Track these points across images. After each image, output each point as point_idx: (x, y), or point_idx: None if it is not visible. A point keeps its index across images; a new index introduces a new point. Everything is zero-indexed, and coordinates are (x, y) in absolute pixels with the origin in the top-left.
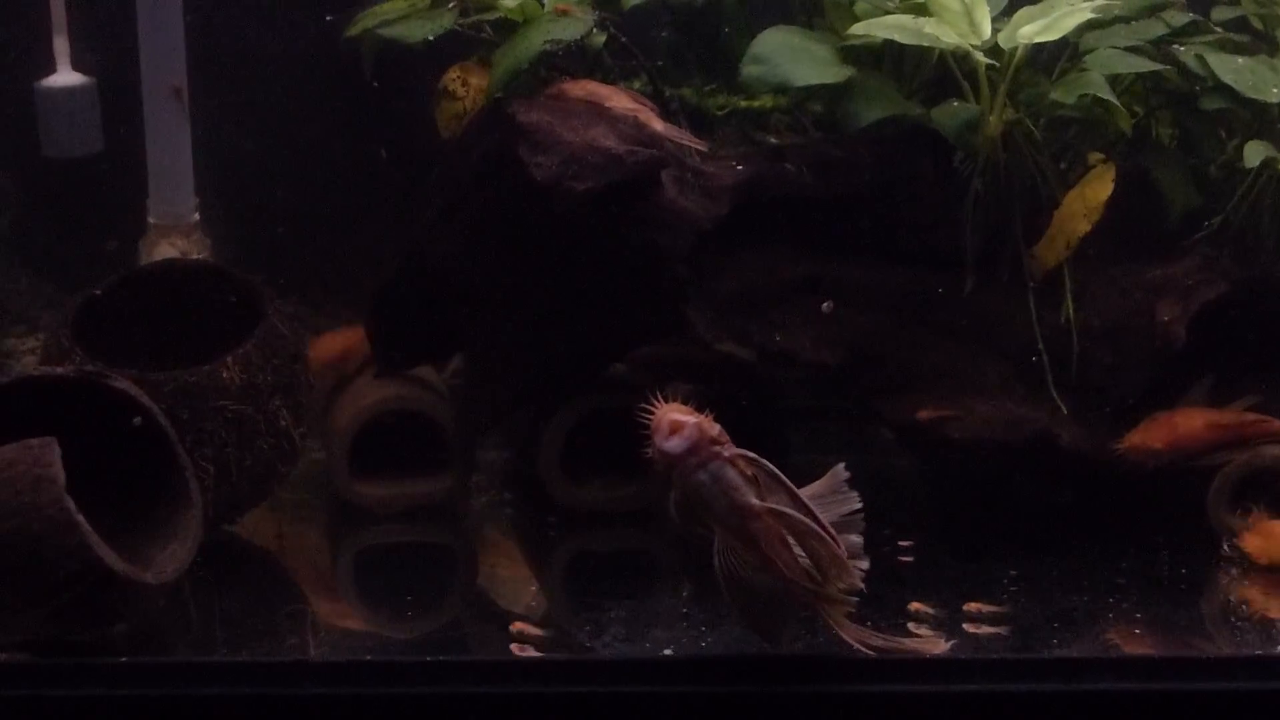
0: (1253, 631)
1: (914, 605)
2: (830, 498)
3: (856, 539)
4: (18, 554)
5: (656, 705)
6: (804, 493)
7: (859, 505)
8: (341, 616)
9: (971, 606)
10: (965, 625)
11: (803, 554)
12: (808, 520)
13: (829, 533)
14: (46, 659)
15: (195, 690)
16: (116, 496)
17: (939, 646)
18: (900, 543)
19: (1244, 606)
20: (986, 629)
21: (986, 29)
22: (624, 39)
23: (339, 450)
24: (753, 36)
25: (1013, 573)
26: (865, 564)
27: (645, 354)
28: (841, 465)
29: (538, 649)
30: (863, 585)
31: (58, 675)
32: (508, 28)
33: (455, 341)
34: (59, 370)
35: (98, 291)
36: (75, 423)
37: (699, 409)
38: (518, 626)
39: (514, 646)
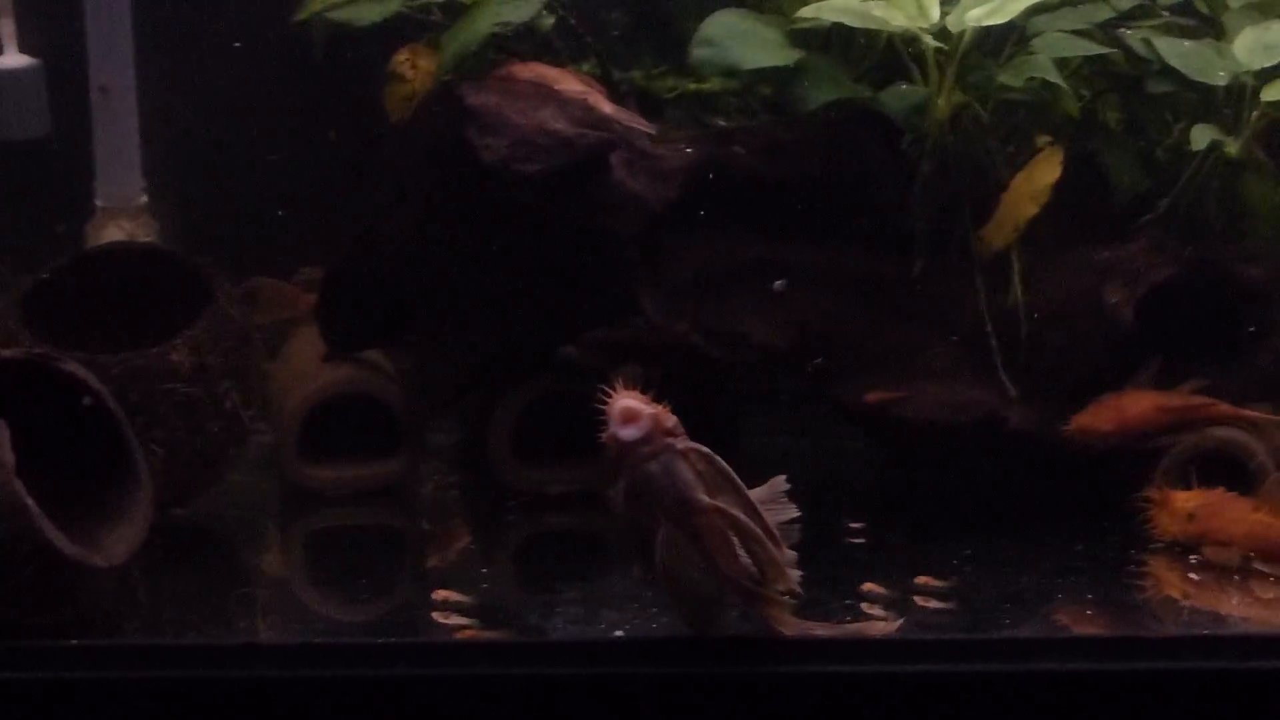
0: (1196, 612)
1: (866, 585)
2: (770, 504)
3: (791, 553)
4: None
5: (608, 686)
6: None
7: (797, 514)
8: (291, 599)
9: (921, 580)
10: (916, 598)
11: (744, 554)
12: (752, 523)
13: (773, 537)
14: None
15: (145, 673)
16: (66, 479)
17: (887, 628)
18: (851, 524)
19: (1187, 587)
20: (935, 603)
21: (934, 12)
22: (573, 21)
23: (288, 433)
24: (702, 19)
25: (964, 553)
26: (799, 574)
27: (596, 336)
28: (782, 477)
29: (462, 615)
30: (799, 589)
31: (7, 659)
32: (456, 10)
33: (405, 324)
34: (6, 353)
35: (45, 275)
36: (24, 405)
37: (651, 393)
38: (442, 594)
39: (438, 614)
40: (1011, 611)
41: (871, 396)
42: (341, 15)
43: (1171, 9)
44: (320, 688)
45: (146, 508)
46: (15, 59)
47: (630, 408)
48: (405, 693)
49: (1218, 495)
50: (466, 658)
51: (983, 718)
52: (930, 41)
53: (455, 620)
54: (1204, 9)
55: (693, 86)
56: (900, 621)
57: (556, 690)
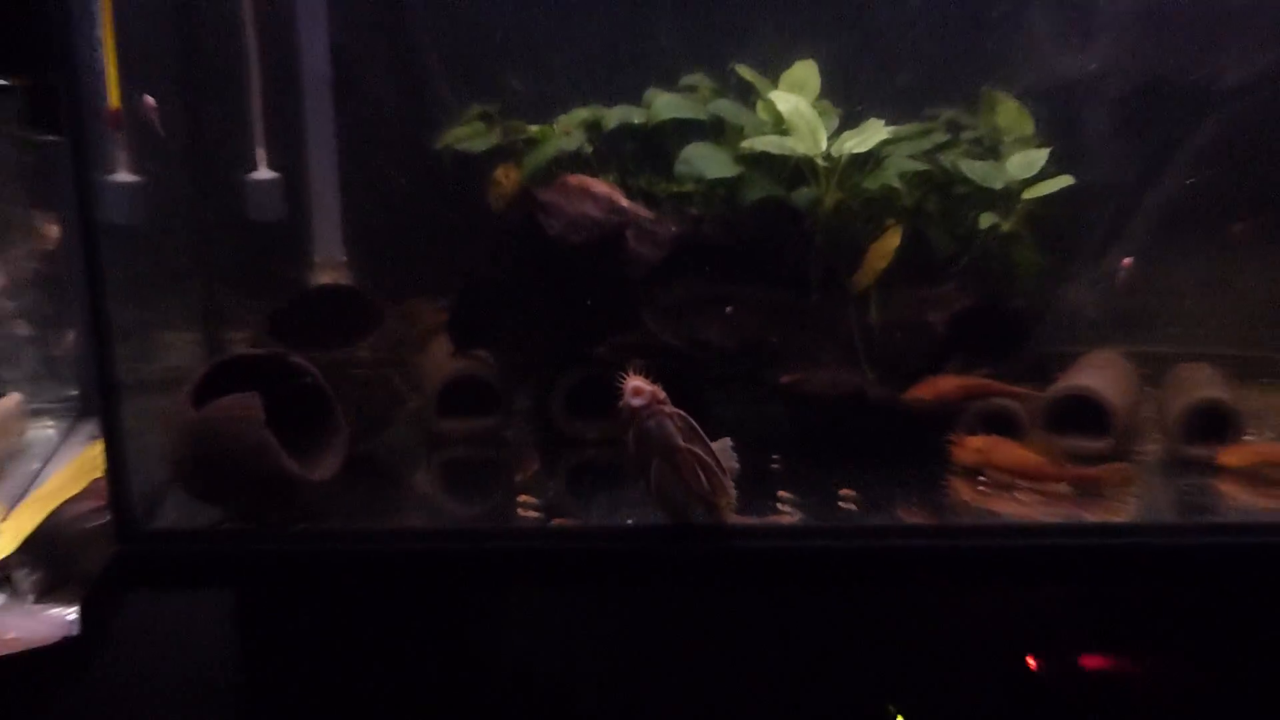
0: (981, 510)
1: (780, 493)
2: (721, 452)
3: (732, 483)
4: (236, 464)
5: (623, 557)
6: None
7: (737, 465)
8: (430, 501)
9: (844, 492)
10: (840, 503)
11: (705, 479)
12: (710, 460)
13: (722, 470)
14: (253, 526)
15: (340, 546)
16: (295, 427)
17: (790, 519)
18: (772, 458)
19: (975, 496)
20: (851, 505)
21: (823, 143)
22: (603, 149)
23: (429, 400)
24: (683, 148)
25: (840, 476)
26: (735, 492)
27: (616, 341)
28: (728, 438)
29: (535, 510)
30: (735, 501)
31: (257, 538)
32: (532, 143)
33: (500, 333)
34: (259, 350)
35: (284, 304)
36: (270, 383)
37: (650, 377)
38: (523, 498)
39: (520, 510)
40: (868, 510)
41: (785, 379)
42: (463, 145)
43: (969, 141)
44: (447, 556)
45: (342, 445)
46: (265, 173)
47: (637, 386)
48: (501, 559)
49: (995, 439)
50: (538, 537)
51: (847, 574)
52: (820, 161)
53: (531, 514)
54: (988, 142)
55: (676, 188)
56: (800, 516)
57: (593, 557)
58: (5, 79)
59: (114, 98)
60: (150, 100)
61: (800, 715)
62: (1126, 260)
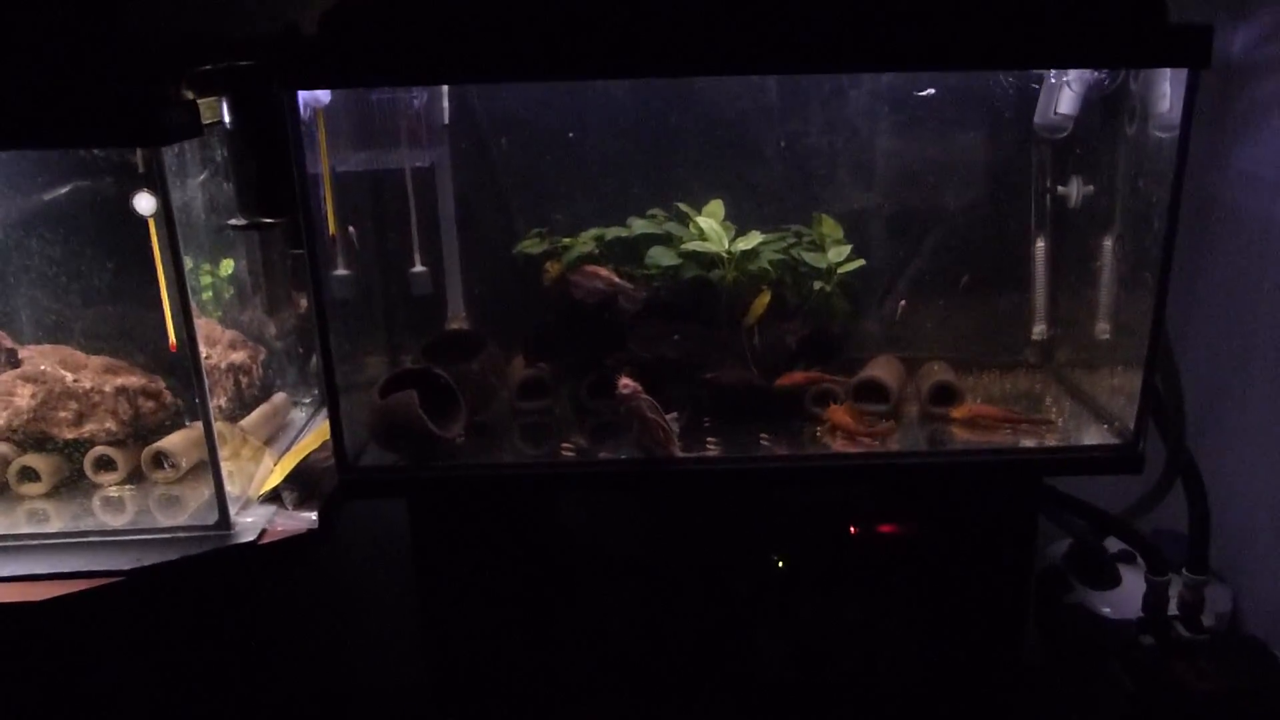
0: (817, 442)
1: (708, 440)
2: (672, 419)
3: (677, 436)
4: (403, 429)
5: (618, 476)
6: (666, 416)
7: (679, 427)
8: (513, 446)
9: (763, 438)
10: (761, 441)
11: (663, 435)
12: (666, 424)
13: (672, 429)
14: (413, 464)
15: (464, 473)
16: (436, 407)
17: (717, 452)
18: (703, 420)
19: (815, 436)
20: (768, 446)
21: (726, 245)
22: (605, 250)
23: (512, 390)
24: (649, 249)
25: (741, 430)
26: (680, 444)
27: (616, 356)
28: (675, 411)
29: (572, 452)
30: (679, 447)
31: (417, 469)
32: (566, 248)
33: (552, 353)
34: (417, 365)
35: (433, 338)
36: (421, 384)
37: (634, 376)
38: (564, 444)
39: (564, 451)
40: (760, 447)
41: (708, 376)
42: (528, 250)
43: (808, 242)
44: (524, 478)
45: (463, 417)
46: (419, 268)
47: (626, 381)
48: (554, 478)
49: (833, 407)
50: (574, 466)
51: (744, 481)
52: (725, 255)
53: (569, 454)
54: (818, 242)
55: (645, 272)
56: (721, 449)
57: (604, 475)
58: (274, 219)
59: (332, 228)
60: (352, 229)
61: (721, 560)
62: (902, 303)
